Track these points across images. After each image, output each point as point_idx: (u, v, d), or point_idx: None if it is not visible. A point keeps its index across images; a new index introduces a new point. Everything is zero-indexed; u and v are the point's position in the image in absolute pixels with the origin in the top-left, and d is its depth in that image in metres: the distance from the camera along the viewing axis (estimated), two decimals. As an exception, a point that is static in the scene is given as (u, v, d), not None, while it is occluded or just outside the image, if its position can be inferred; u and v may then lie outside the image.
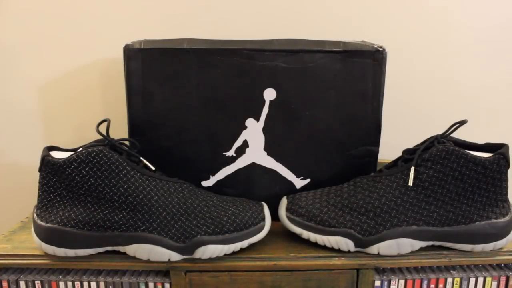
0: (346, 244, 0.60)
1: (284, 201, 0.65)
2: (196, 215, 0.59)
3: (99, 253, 0.59)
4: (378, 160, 0.70)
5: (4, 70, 0.82)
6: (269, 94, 0.65)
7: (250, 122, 0.66)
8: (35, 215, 0.59)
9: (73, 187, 0.57)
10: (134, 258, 0.59)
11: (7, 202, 0.88)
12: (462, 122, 0.62)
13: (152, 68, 0.64)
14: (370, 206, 0.60)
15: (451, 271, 0.62)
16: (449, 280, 0.61)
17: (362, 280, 0.60)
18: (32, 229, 0.60)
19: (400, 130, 0.85)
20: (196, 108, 0.65)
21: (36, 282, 0.59)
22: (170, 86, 0.65)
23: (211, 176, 0.69)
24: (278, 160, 0.68)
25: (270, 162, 0.68)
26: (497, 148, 0.61)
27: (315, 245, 0.62)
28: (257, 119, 0.66)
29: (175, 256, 0.58)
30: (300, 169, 0.69)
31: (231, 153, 0.67)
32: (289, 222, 0.63)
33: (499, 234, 0.60)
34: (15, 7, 0.79)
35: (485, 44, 0.83)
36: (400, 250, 0.60)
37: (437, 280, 0.61)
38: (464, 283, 0.61)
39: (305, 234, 0.62)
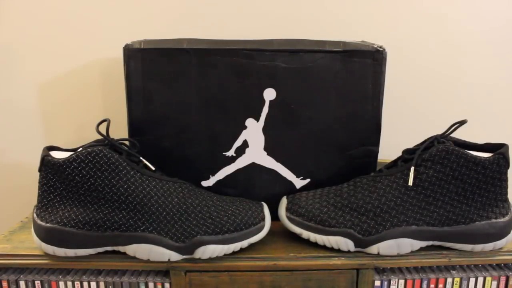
0: (346, 244, 0.60)
1: (284, 201, 0.65)
2: (196, 215, 0.59)
3: (99, 253, 0.59)
4: (378, 160, 0.70)
5: (4, 70, 0.82)
6: (269, 94, 0.65)
7: (250, 122, 0.66)
8: (35, 215, 0.59)
9: (73, 187, 0.57)
10: (134, 258, 0.59)
11: (7, 202, 0.88)
12: (462, 122, 0.62)
13: (152, 68, 0.64)
14: (370, 206, 0.60)
15: (451, 271, 0.62)
16: (449, 280, 0.61)
17: (362, 280, 0.60)
18: (32, 229, 0.60)
19: (400, 130, 0.85)
20: (196, 108, 0.65)
21: (36, 282, 0.59)
22: (170, 86, 0.65)
23: (211, 176, 0.68)
24: (278, 160, 0.68)
25: (270, 162, 0.68)
26: (497, 148, 0.61)
27: (315, 245, 0.62)
28: (257, 119, 0.66)
29: (175, 256, 0.58)
30: (300, 169, 0.69)
31: (231, 153, 0.67)
32: (289, 222, 0.63)
33: (499, 234, 0.60)
34: (15, 7, 0.79)
35: (485, 44, 0.83)
36: (400, 250, 0.60)
37: (437, 280, 0.61)
38: (464, 283, 0.61)
39: (305, 234, 0.62)
